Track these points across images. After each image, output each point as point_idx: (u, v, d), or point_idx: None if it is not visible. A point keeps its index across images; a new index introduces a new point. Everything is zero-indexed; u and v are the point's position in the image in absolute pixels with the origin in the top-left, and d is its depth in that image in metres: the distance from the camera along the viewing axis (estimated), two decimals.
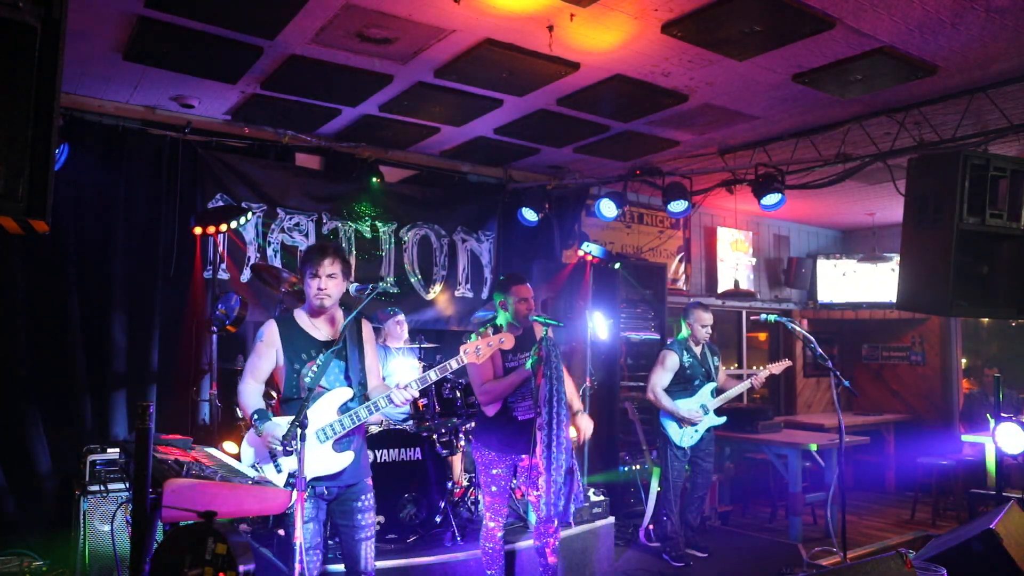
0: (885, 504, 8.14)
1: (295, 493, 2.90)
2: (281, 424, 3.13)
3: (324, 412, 3.22)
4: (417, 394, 3.30)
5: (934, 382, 9.02)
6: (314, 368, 3.25)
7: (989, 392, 7.47)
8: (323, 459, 3.19)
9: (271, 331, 3.30)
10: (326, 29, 3.91)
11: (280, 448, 3.03)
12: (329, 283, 3.25)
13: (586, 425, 4.22)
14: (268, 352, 3.28)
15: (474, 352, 3.35)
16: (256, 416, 3.20)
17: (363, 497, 3.33)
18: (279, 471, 3.22)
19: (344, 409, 3.25)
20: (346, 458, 3.23)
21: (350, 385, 3.31)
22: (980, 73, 4.41)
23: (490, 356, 3.63)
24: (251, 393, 3.29)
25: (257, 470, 3.25)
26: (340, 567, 3.63)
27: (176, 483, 2.52)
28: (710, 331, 5.72)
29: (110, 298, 4.91)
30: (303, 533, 3.11)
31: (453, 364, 3.38)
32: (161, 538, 2.77)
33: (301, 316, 3.37)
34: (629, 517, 6.36)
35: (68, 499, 4.46)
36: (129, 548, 2.61)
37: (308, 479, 3.15)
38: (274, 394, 3.56)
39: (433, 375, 3.37)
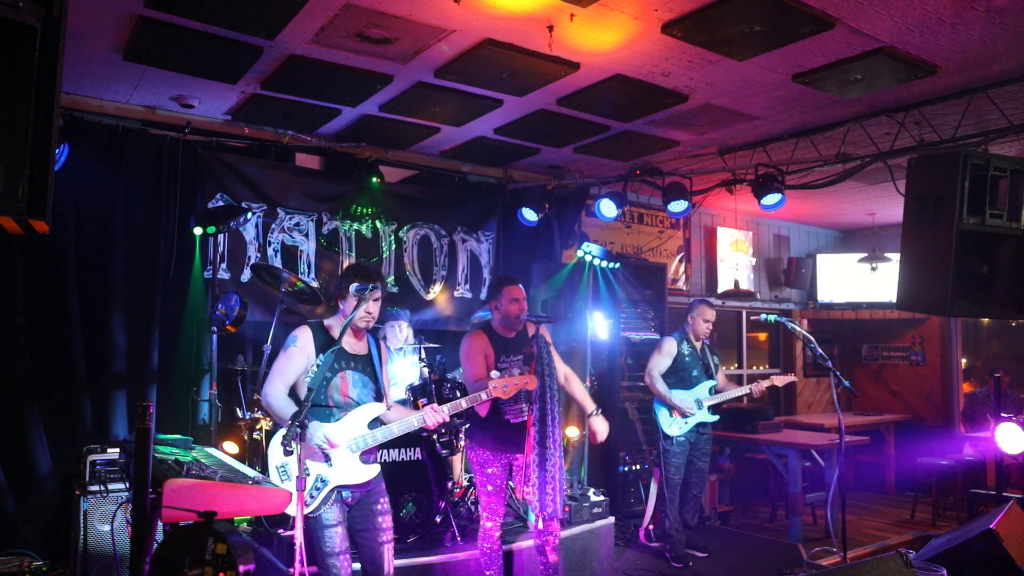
0: (885, 504, 8.14)
1: (298, 491, 2.94)
2: (325, 426, 3.24)
3: (355, 425, 3.33)
4: (448, 418, 3.44)
5: (934, 382, 9.02)
6: (314, 370, 3.31)
7: (992, 392, 7.47)
8: (353, 469, 3.30)
9: (306, 337, 3.36)
10: (326, 29, 3.91)
11: (327, 445, 3.20)
12: (375, 307, 3.39)
13: (601, 427, 4.25)
14: (300, 357, 3.34)
15: (502, 389, 3.53)
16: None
17: (381, 500, 3.43)
18: (308, 474, 3.25)
19: (374, 424, 3.36)
20: (373, 470, 3.36)
21: (380, 401, 3.44)
22: (980, 73, 4.40)
23: (483, 355, 4.03)
24: (281, 396, 3.30)
25: (287, 472, 3.32)
26: (355, 565, 3.65)
27: (176, 483, 2.52)
28: (711, 327, 5.77)
29: (110, 298, 4.90)
30: (332, 537, 3.25)
31: (482, 396, 3.58)
32: (161, 538, 2.77)
33: (333, 327, 3.44)
34: (629, 517, 6.36)
35: (68, 499, 4.46)
36: (129, 548, 2.61)
37: (335, 486, 3.26)
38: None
39: (464, 403, 3.57)
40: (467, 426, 5.06)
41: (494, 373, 3.66)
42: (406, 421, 3.38)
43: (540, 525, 4.03)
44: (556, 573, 4.11)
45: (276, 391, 3.29)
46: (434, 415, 3.37)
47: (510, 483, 4.24)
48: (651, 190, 6.86)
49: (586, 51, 4.18)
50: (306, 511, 3.23)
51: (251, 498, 2.78)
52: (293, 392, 3.38)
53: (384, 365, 3.57)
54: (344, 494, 3.30)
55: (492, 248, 6.76)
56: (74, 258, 4.79)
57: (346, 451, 3.29)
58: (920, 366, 9.14)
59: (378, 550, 3.37)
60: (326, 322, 3.46)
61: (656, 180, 6.36)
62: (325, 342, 3.37)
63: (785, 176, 5.80)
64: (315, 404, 3.27)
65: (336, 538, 3.25)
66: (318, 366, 3.27)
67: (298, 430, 2.93)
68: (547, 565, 4.09)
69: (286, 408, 3.21)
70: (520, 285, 4.19)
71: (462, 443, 5.10)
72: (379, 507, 3.40)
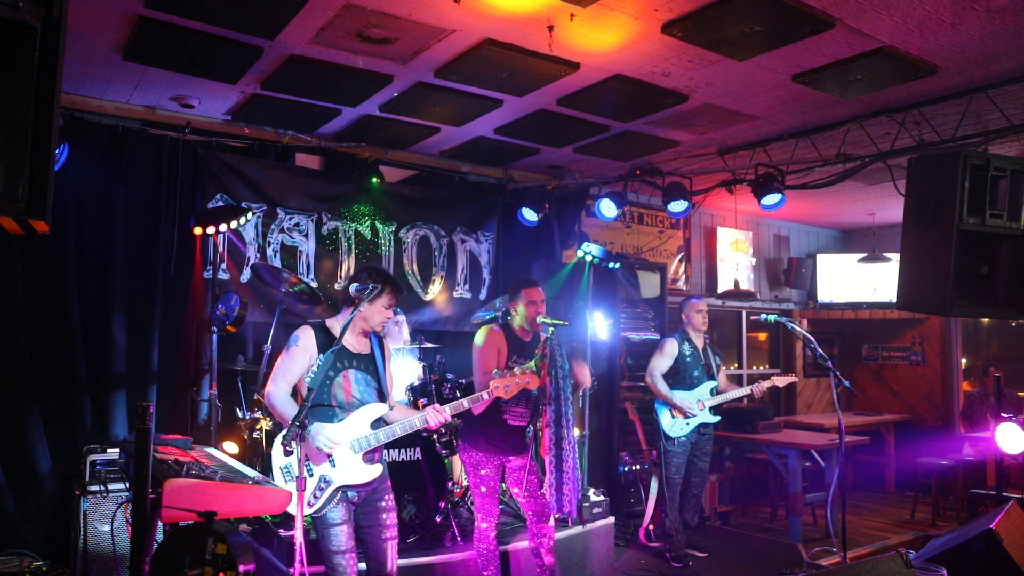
0: (885, 504, 8.14)
1: (297, 492, 2.94)
2: (327, 428, 3.22)
3: (358, 425, 3.33)
4: (450, 418, 3.45)
5: (934, 382, 9.02)
6: (314, 370, 3.30)
7: (990, 392, 7.47)
8: (355, 469, 3.31)
9: (308, 336, 3.36)
10: (326, 29, 3.91)
11: (330, 446, 3.19)
12: (389, 312, 3.47)
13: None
14: (303, 357, 3.34)
15: (503, 388, 3.53)
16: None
17: (386, 497, 3.45)
18: (311, 475, 3.28)
19: (377, 424, 3.37)
20: (375, 470, 3.37)
21: (383, 401, 3.44)
22: (980, 73, 4.41)
23: (495, 349, 4.03)
24: (284, 397, 3.29)
25: (290, 472, 3.28)
26: (360, 565, 3.65)
27: (176, 483, 2.52)
28: (705, 317, 5.81)
29: (110, 298, 4.90)
30: (337, 536, 3.26)
31: (484, 396, 3.58)
32: (161, 538, 2.77)
33: (335, 327, 3.43)
34: (629, 517, 6.36)
35: (68, 499, 4.46)
36: (129, 548, 2.61)
37: (338, 486, 3.27)
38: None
39: (466, 403, 3.56)
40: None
41: (495, 372, 3.65)
42: (408, 421, 3.41)
43: (537, 526, 4.06)
44: (553, 575, 4.11)
45: (279, 391, 3.28)
46: (436, 415, 3.39)
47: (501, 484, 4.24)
48: (651, 190, 6.86)
49: (586, 51, 4.18)
50: (311, 511, 3.25)
51: (251, 498, 2.78)
52: (295, 392, 3.39)
53: (387, 364, 3.59)
54: (350, 494, 3.31)
55: (492, 248, 6.76)
56: (74, 258, 4.79)
57: (349, 451, 3.29)
58: (920, 366, 9.14)
59: (381, 547, 3.39)
60: (328, 322, 3.47)
61: (656, 180, 6.36)
62: (326, 342, 3.37)
63: (785, 176, 5.80)
64: (318, 404, 3.27)
65: (342, 536, 3.27)
66: (319, 366, 3.27)
67: (298, 430, 2.93)
68: (543, 567, 4.09)
69: (289, 409, 3.20)
70: (539, 288, 4.19)
71: None
72: (383, 504, 3.42)
